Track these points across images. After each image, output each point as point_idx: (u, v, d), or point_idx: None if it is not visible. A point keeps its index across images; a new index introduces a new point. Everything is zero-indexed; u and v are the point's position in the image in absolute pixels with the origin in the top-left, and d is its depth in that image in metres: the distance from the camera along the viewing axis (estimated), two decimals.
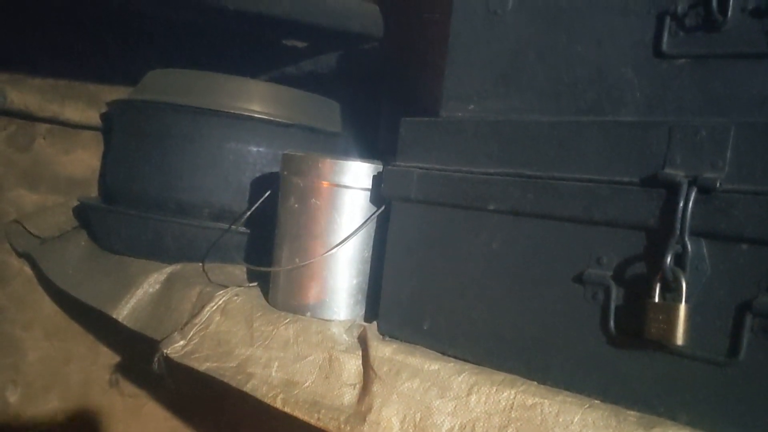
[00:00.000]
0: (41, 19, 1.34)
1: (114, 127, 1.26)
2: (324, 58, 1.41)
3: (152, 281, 1.01)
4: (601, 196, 0.58)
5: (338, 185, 0.81)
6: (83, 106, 1.39)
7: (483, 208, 0.66)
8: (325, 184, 0.81)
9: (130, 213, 1.12)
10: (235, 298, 0.89)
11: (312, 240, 0.83)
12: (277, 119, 1.14)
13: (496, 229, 0.66)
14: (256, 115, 1.13)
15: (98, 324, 1.33)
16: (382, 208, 0.80)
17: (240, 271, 1.08)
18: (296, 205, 0.84)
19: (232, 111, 1.12)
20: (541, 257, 0.63)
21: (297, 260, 0.84)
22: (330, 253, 0.81)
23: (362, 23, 1.28)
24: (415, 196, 0.73)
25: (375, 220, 0.82)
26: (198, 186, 1.11)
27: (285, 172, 0.86)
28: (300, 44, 1.42)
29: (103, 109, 1.40)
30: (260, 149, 1.14)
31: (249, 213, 1.01)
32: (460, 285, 0.69)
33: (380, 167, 0.80)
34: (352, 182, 0.81)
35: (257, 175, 1.14)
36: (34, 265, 1.32)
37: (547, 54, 0.66)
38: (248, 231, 1.09)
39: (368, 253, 0.83)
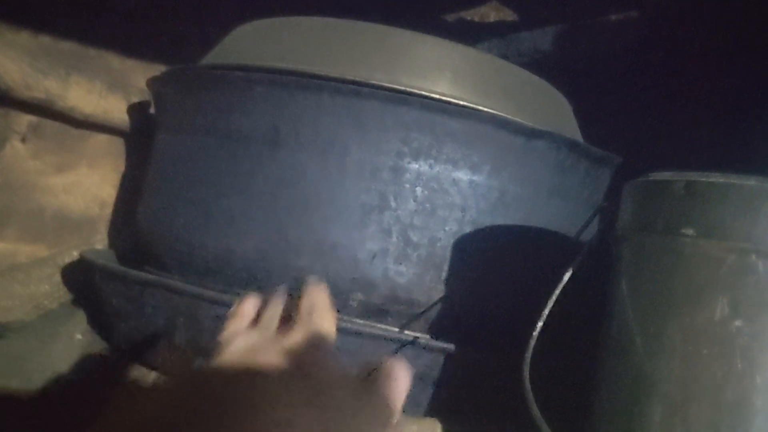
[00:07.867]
0: None
1: (161, 124, 0.69)
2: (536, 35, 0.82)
3: None
4: None
5: None
6: (100, 87, 0.79)
7: None
8: None
9: (184, 290, 0.57)
10: None
11: None
12: (519, 121, 0.59)
13: None
14: (477, 108, 0.58)
15: None
16: None
17: None
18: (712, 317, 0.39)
19: (424, 93, 0.58)
20: None
21: None
22: None
23: None
24: None
25: None
26: (339, 245, 0.56)
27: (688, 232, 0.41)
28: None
29: (136, 97, 0.80)
30: (475, 178, 0.57)
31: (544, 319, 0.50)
32: None
33: None
34: None
35: (468, 230, 0.57)
36: None
37: None
38: (446, 347, 0.56)
39: None
